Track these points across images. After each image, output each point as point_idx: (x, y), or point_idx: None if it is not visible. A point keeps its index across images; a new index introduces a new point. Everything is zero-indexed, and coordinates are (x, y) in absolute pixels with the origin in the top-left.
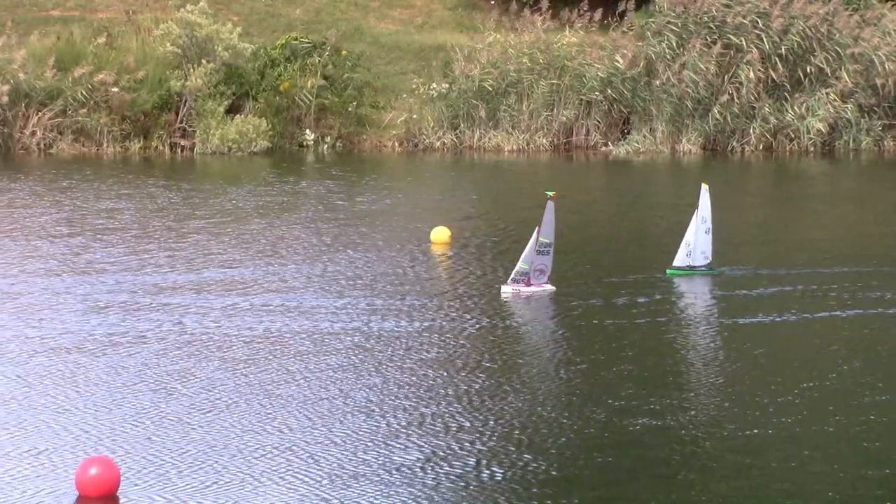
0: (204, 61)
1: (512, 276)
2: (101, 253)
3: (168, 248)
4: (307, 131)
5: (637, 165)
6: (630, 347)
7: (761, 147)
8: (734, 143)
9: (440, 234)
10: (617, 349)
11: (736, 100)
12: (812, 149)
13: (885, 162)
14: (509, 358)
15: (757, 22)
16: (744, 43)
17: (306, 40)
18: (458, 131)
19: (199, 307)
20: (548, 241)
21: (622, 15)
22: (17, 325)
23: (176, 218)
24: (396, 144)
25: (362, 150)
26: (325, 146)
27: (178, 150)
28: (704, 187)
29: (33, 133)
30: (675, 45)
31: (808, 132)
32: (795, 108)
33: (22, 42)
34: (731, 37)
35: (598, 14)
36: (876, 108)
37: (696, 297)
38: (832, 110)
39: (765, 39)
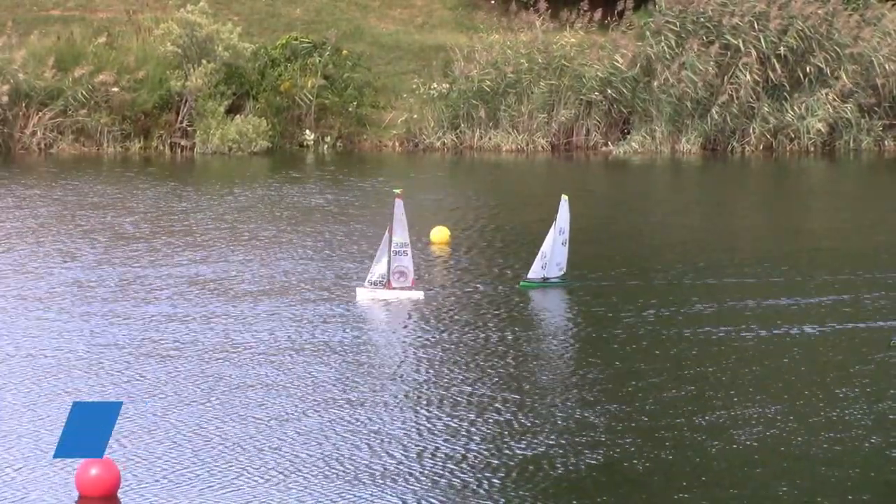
0: (204, 61)
1: (368, 277)
2: (189, 255)
3: (249, 249)
4: (307, 131)
5: (632, 165)
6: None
7: (761, 147)
8: (734, 143)
9: (440, 234)
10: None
11: (735, 100)
12: (812, 149)
13: (886, 162)
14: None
15: (754, 23)
16: (741, 44)
17: (306, 40)
18: (458, 131)
19: (291, 315)
20: (402, 241)
21: (621, 14)
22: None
23: (255, 219)
24: (397, 144)
25: (362, 150)
26: (326, 146)
27: (179, 150)
28: (564, 198)
29: (33, 133)
30: (674, 44)
31: (808, 132)
32: (795, 108)
33: (22, 42)
34: (728, 37)
35: (597, 14)
36: (876, 108)
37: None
38: (832, 110)
39: (762, 40)
